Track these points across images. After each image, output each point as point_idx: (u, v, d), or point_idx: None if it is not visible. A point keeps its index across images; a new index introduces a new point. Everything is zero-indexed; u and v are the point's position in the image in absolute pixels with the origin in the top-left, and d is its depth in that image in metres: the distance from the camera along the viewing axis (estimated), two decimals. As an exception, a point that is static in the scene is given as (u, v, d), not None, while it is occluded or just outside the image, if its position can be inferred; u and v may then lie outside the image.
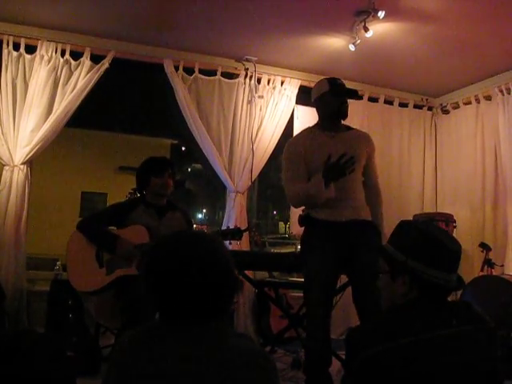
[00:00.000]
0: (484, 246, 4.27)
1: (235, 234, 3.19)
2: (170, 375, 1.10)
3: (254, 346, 1.22)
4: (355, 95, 2.85)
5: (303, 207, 2.89)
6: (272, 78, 4.87)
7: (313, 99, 2.91)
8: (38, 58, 4.13)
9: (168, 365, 1.11)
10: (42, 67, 4.13)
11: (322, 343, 2.65)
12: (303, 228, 2.89)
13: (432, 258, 1.46)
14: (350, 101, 2.83)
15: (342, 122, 2.88)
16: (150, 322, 1.25)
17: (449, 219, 4.49)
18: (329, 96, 2.77)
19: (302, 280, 4.32)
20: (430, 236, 1.49)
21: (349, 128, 2.94)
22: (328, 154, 2.62)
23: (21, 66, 4.10)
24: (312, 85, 5.06)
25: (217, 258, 1.22)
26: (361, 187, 2.87)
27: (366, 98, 5.16)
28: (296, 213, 5.06)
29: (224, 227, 4.52)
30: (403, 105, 5.43)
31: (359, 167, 2.82)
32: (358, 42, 3.98)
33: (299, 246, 2.97)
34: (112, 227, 3.04)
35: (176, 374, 1.10)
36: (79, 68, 4.25)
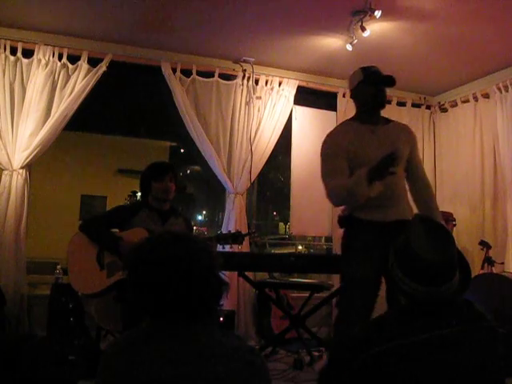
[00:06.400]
0: (484, 244, 4.27)
1: (236, 238, 3.15)
2: (161, 378, 1.09)
3: (243, 344, 1.22)
4: (390, 82, 2.59)
5: (343, 207, 2.69)
6: (270, 78, 4.87)
7: (349, 91, 2.77)
8: (35, 62, 4.13)
9: (158, 368, 1.10)
10: (39, 71, 4.13)
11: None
12: (343, 230, 2.67)
13: (409, 269, 1.41)
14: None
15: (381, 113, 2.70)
16: (137, 326, 1.23)
17: (448, 218, 4.49)
18: (364, 85, 2.60)
19: (302, 281, 4.39)
20: (407, 246, 1.42)
21: (388, 120, 2.75)
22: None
23: (18, 70, 4.10)
24: (310, 85, 5.17)
25: (197, 258, 1.22)
26: (403, 183, 2.70)
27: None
28: (295, 213, 5.12)
29: (224, 229, 4.51)
30: (401, 104, 5.42)
31: (401, 163, 2.61)
32: (355, 41, 3.98)
33: (341, 250, 2.69)
34: (114, 230, 3.03)
35: (166, 376, 1.09)
36: (77, 71, 4.26)
